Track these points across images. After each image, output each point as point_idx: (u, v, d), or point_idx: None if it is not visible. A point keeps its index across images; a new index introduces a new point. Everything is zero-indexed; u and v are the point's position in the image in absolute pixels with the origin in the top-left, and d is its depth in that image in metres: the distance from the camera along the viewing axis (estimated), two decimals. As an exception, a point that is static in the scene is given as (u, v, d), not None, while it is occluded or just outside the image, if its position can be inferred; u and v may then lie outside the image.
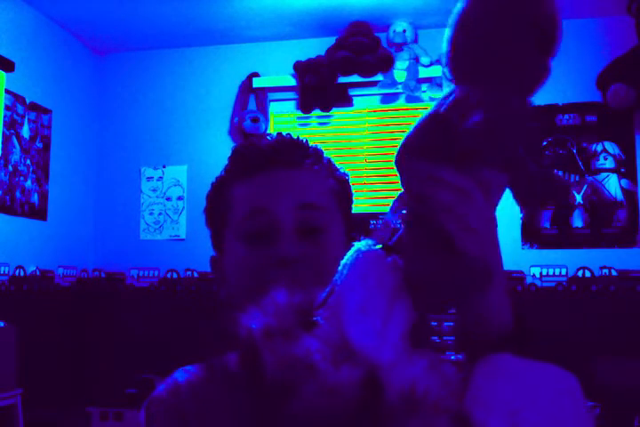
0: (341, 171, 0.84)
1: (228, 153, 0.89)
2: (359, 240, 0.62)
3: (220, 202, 0.82)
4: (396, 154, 0.61)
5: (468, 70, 0.59)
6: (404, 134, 0.61)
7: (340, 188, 0.83)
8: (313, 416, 0.54)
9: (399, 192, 0.64)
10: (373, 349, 0.55)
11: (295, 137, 0.83)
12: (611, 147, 3.36)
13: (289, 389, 0.55)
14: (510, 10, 0.56)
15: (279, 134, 0.83)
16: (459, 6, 0.61)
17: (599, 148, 3.37)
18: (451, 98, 0.58)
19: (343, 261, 0.60)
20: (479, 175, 0.59)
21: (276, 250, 0.74)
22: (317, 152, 0.83)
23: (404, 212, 0.61)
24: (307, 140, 0.83)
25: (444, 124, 0.58)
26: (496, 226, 0.60)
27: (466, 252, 0.56)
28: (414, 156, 0.59)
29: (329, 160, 0.83)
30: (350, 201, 0.85)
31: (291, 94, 3.72)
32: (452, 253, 0.57)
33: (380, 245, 0.61)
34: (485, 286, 0.59)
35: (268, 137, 0.83)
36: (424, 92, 3.53)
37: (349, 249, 0.62)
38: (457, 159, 0.58)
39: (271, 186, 0.77)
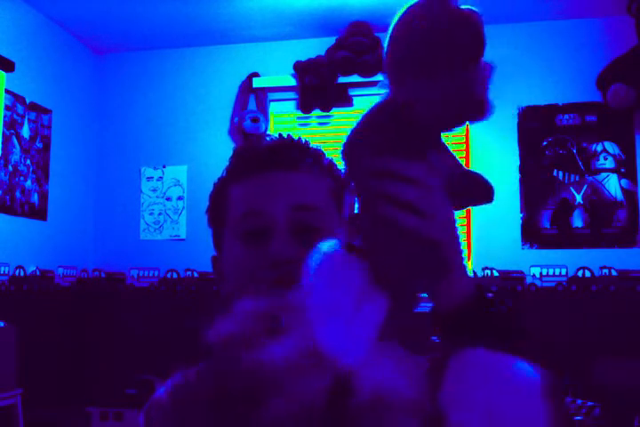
0: (338, 168, 0.85)
1: (228, 153, 0.89)
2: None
3: (219, 202, 0.84)
4: (342, 146, 0.62)
5: (405, 71, 0.60)
6: (350, 128, 0.63)
7: (338, 187, 0.83)
8: (281, 424, 0.53)
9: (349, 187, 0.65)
10: (341, 351, 0.54)
11: (295, 138, 0.83)
12: (611, 147, 3.36)
13: (253, 398, 0.54)
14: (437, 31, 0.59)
15: (279, 135, 0.84)
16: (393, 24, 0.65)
17: (599, 148, 3.37)
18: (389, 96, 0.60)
19: (308, 263, 0.59)
20: (429, 161, 0.60)
21: (269, 251, 0.74)
22: (317, 153, 0.83)
23: (359, 208, 0.61)
24: (307, 142, 0.83)
25: (394, 115, 0.59)
26: (449, 205, 0.60)
27: (428, 238, 0.57)
28: (363, 148, 0.60)
29: (330, 161, 0.83)
30: (350, 201, 0.85)
31: (291, 94, 3.72)
32: (413, 241, 0.57)
33: (343, 245, 0.60)
34: (449, 266, 0.59)
35: (269, 138, 0.83)
36: (424, 92, 3.53)
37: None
38: (406, 148, 0.59)
39: (267, 187, 0.78)
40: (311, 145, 0.84)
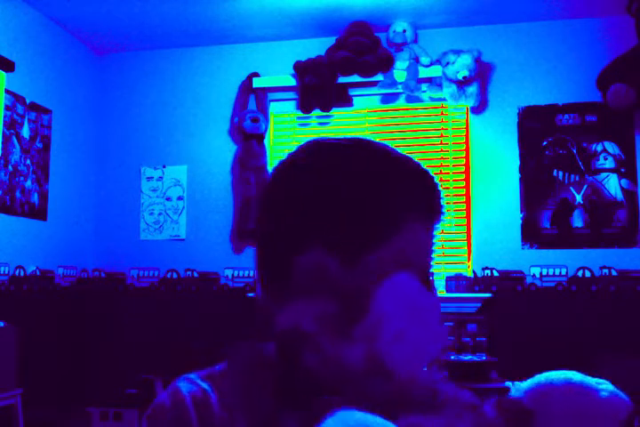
0: None
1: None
2: None
3: (385, 224, 0.69)
4: None
5: None
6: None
7: None
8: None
9: None
10: (403, 369, 0.59)
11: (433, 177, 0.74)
12: (611, 147, 3.36)
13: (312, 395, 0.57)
14: None
15: (423, 169, 0.73)
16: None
17: (599, 148, 3.37)
18: None
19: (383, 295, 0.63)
20: None
21: None
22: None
23: None
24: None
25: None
26: None
27: None
28: None
29: None
30: None
31: (291, 94, 3.72)
32: None
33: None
34: None
35: (401, 154, 0.72)
36: (424, 92, 3.53)
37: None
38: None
39: (425, 242, 0.72)
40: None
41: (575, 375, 0.72)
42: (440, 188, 0.73)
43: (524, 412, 0.70)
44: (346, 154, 0.72)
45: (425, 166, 0.72)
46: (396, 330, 0.59)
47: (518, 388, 0.73)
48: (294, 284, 0.67)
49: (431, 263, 0.72)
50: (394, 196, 0.69)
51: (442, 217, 0.73)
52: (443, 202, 0.73)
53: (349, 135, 0.78)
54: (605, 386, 0.70)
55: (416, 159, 0.73)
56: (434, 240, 0.73)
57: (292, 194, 0.70)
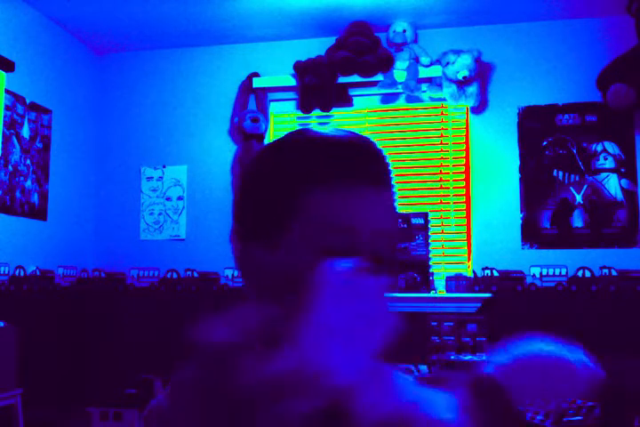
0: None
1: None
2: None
3: (285, 203, 0.71)
4: None
5: None
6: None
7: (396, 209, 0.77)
8: None
9: None
10: (338, 371, 0.52)
11: (371, 141, 0.73)
12: (611, 147, 3.36)
13: (239, 412, 0.53)
14: None
15: (352, 134, 0.73)
16: None
17: (599, 148, 3.37)
18: None
19: (313, 279, 0.57)
20: None
21: None
22: (388, 164, 0.74)
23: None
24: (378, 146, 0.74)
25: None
26: None
27: None
28: None
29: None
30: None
31: (291, 94, 3.72)
32: None
33: (360, 266, 0.57)
34: None
35: (341, 134, 0.72)
36: (424, 92, 3.53)
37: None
38: None
39: (360, 205, 0.69)
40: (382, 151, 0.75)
41: (546, 346, 0.72)
42: (378, 154, 0.72)
43: (498, 390, 0.69)
44: (275, 145, 0.74)
45: (365, 138, 0.72)
46: (325, 324, 0.54)
47: (491, 363, 0.72)
48: (242, 276, 0.72)
49: (386, 226, 0.70)
50: (292, 170, 0.70)
51: (382, 180, 0.72)
52: (380, 166, 0.72)
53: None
54: (577, 355, 0.70)
55: (360, 134, 0.73)
56: (390, 204, 0.72)
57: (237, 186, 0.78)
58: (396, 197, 0.75)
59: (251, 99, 3.76)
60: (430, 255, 3.47)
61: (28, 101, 3.31)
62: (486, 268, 3.43)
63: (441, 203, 3.54)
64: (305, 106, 3.61)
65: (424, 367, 3.03)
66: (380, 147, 0.73)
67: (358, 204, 0.69)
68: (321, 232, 0.68)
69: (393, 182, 0.75)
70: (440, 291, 3.44)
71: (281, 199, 0.70)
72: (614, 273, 3.29)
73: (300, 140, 0.73)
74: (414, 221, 3.45)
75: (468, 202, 3.51)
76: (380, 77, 3.53)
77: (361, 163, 0.70)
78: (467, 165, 3.53)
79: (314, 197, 0.69)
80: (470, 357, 3.04)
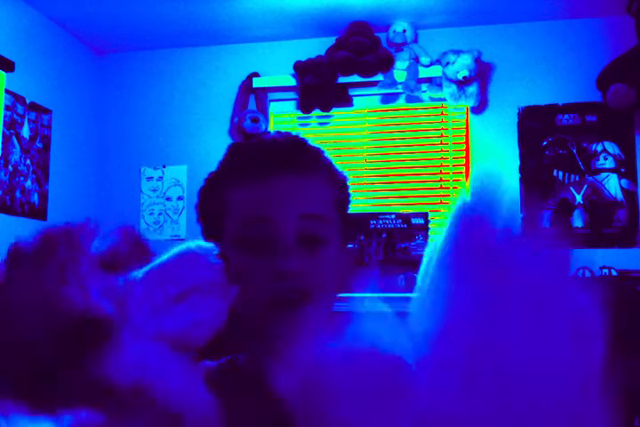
0: (342, 174, 0.81)
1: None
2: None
3: (216, 203, 0.79)
4: None
5: None
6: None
7: (342, 195, 0.80)
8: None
9: None
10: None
11: (297, 137, 0.79)
12: (611, 147, 3.36)
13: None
14: None
15: (280, 133, 0.79)
16: None
17: (599, 148, 3.37)
18: None
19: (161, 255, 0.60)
20: None
21: (276, 263, 0.71)
22: (320, 155, 0.79)
23: None
24: (308, 140, 0.80)
25: None
26: None
27: None
28: None
29: (330, 163, 0.80)
30: (348, 209, 0.83)
31: (291, 94, 3.72)
32: None
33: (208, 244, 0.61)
34: None
35: (268, 135, 0.79)
36: (424, 92, 3.53)
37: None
38: None
39: (274, 192, 0.74)
40: (311, 144, 0.80)
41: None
42: (300, 145, 0.79)
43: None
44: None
45: (288, 133, 0.80)
46: None
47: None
48: None
49: (316, 208, 0.75)
50: (218, 174, 0.83)
51: (307, 166, 0.77)
52: (304, 154, 0.77)
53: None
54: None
55: (287, 132, 0.81)
56: (321, 187, 0.77)
57: None
58: (337, 179, 0.80)
59: (251, 99, 3.76)
60: (430, 255, 3.47)
61: (27, 101, 3.31)
62: (486, 268, 3.42)
63: (441, 203, 3.54)
64: (305, 106, 3.61)
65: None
66: (305, 139, 0.79)
67: (276, 194, 0.73)
68: (238, 226, 0.73)
69: (328, 167, 0.79)
70: (440, 291, 3.44)
71: (212, 202, 0.80)
72: (614, 273, 3.28)
73: (230, 146, 0.83)
74: (414, 221, 3.45)
75: (468, 202, 3.51)
76: (380, 77, 3.53)
77: (279, 155, 0.75)
78: (467, 165, 3.53)
79: (233, 195, 0.76)
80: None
